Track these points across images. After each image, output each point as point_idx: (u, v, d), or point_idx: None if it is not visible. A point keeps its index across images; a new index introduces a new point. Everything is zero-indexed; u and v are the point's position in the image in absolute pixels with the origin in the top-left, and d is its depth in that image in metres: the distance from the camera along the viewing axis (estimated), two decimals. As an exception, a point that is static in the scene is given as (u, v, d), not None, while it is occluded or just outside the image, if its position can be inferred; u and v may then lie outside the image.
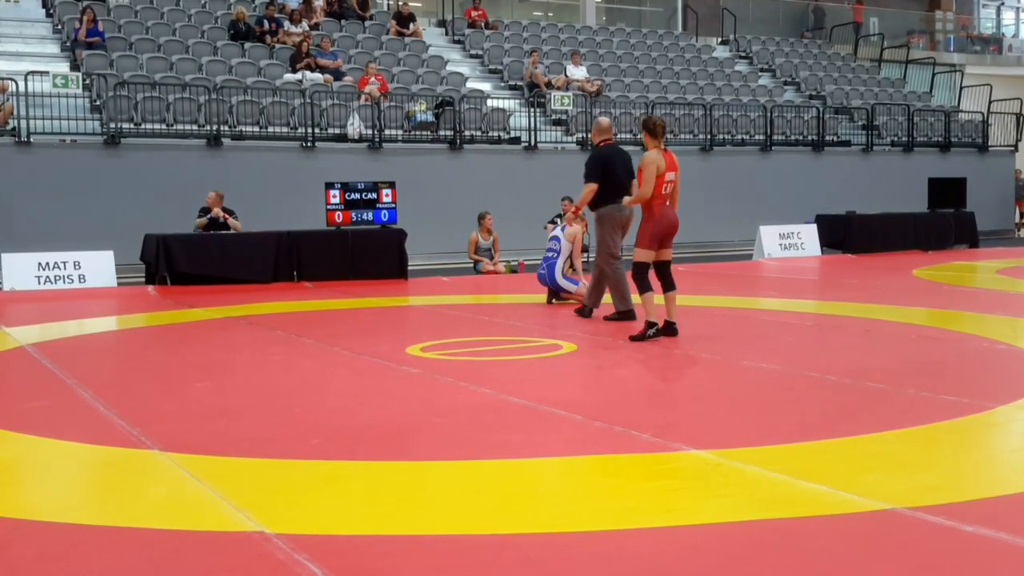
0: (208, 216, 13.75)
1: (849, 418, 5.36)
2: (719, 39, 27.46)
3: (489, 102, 19.51)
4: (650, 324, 7.99)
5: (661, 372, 7.12)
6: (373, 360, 7.41)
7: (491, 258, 15.05)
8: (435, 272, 15.46)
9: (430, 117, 18.18)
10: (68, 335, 9.22)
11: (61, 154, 15.43)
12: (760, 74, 25.43)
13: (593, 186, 9.26)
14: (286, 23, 19.92)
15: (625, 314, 9.23)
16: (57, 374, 6.98)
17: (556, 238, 11.09)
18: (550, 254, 11.00)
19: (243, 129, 16.77)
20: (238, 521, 3.77)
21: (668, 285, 8.22)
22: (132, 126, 16.01)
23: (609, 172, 9.27)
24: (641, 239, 8.08)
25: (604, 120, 9.92)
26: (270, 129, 17.05)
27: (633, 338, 7.99)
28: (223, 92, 16.75)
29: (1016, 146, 25.09)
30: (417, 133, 18.16)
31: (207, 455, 4.73)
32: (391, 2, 23.74)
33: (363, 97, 17.92)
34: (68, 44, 17.92)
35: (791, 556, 3.37)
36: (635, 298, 8.51)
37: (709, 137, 20.59)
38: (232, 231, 13.83)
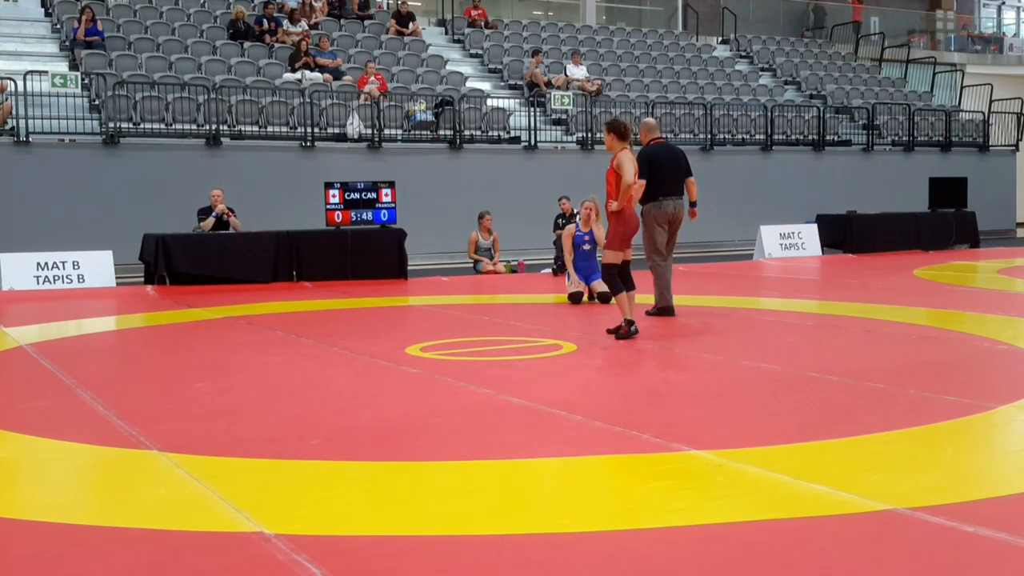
0: (214, 215, 13.70)
1: (850, 418, 5.34)
2: (719, 39, 27.45)
3: (489, 102, 19.50)
4: (629, 322, 8.19)
5: (661, 372, 7.12)
6: (373, 360, 7.39)
7: (491, 258, 15.02)
8: (435, 272, 15.44)
9: (430, 117, 18.16)
10: (67, 335, 9.21)
11: (60, 154, 15.42)
12: (760, 74, 25.42)
13: (642, 182, 9.21)
14: (285, 22, 19.92)
15: (665, 309, 9.46)
16: (56, 374, 6.97)
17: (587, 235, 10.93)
18: (587, 248, 10.88)
19: (242, 129, 16.77)
20: (237, 521, 3.76)
21: (630, 285, 8.40)
22: (131, 126, 16.01)
23: (654, 169, 9.38)
24: (612, 241, 8.30)
25: (650, 120, 10.07)
26: (269, 129, 17.04)
27: (619, 336, 8.12)
28: (222, 92, 16.74)
29: (1017, 146, 25.09)
30: (417, 133, 18.16)
31: (206, 455, 4.71)
32: (391, 1, 23.72)
33: (362, 96, 17.91)
34: (67, 43, 17.91)
35: (792, 556, 3.36)
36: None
37: (709, 137, 20.58)
38: (232, 231, 13.81)
